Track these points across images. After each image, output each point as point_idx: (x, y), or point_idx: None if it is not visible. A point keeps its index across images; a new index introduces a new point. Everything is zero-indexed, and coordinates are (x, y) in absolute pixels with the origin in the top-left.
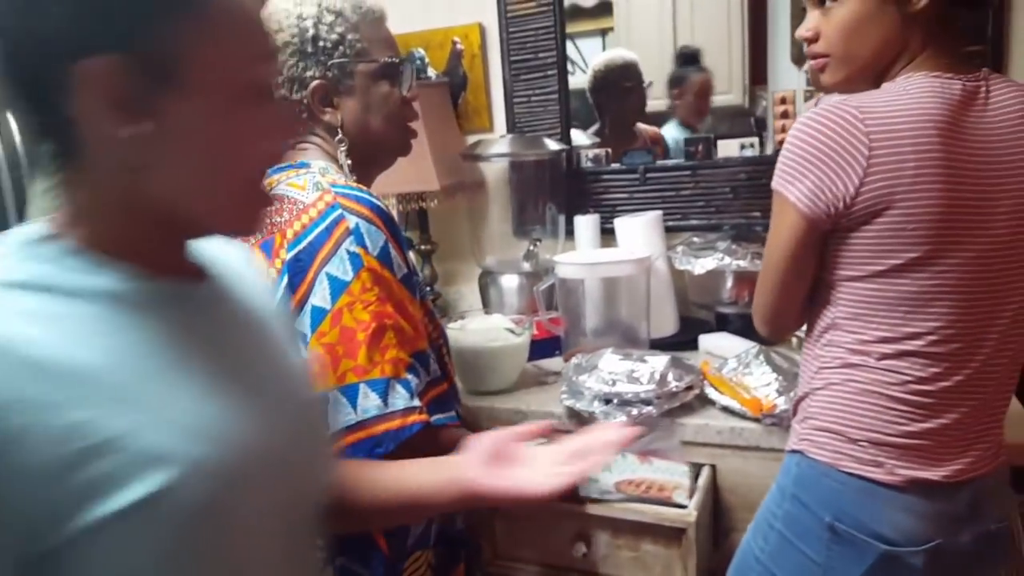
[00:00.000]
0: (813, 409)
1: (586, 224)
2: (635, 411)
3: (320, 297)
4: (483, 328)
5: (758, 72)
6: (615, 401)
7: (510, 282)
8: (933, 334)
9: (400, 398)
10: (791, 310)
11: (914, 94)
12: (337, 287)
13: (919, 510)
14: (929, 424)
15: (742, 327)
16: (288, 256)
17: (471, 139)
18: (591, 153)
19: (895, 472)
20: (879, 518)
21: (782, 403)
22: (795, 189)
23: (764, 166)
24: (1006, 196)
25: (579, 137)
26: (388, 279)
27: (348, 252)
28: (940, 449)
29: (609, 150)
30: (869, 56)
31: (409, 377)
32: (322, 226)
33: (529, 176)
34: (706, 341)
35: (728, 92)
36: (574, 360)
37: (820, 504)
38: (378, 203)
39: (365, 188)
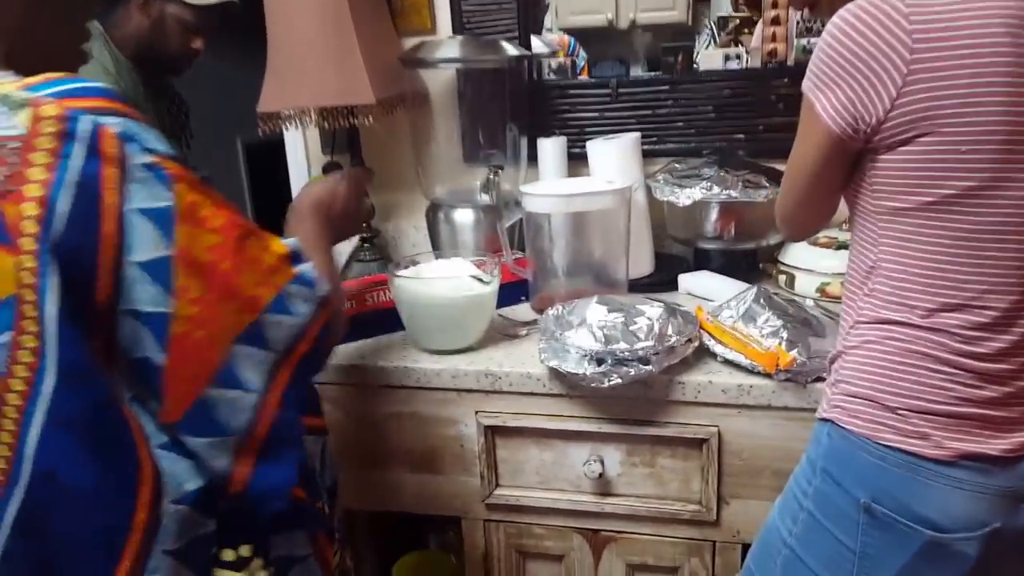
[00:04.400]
0: (847, 371)
1: (552, 147)
2: (632, 371)
3: (144, 249)
4: (443, 275)
5: None
6: (609, 361)
7: (465, 217)
8: (989, 283)
9: (303, 302)
10: (815, 220)
11: None
12: (161, 220)
13: (973, 489)
14: (984, 390)
15: (726, 265)
16: (42, 231)
17: (409, 43)
18: (554, 63)
19: (943, 445)
20: (924, 499)
21: (800, 356)
22: (823, 97)
23: (750, 81)
24: None
25: (538, 45)
26: (196, 178)
27: (140, 168)
28: (997, 418)
29: (575, 58)
30: None
31: (298, 269)
32: (76, 155)
33: (483, 89)
34: (687, 281)
35: (671, 8)
36: (551, 311)
37: (855, 482)
38: (104, 86)
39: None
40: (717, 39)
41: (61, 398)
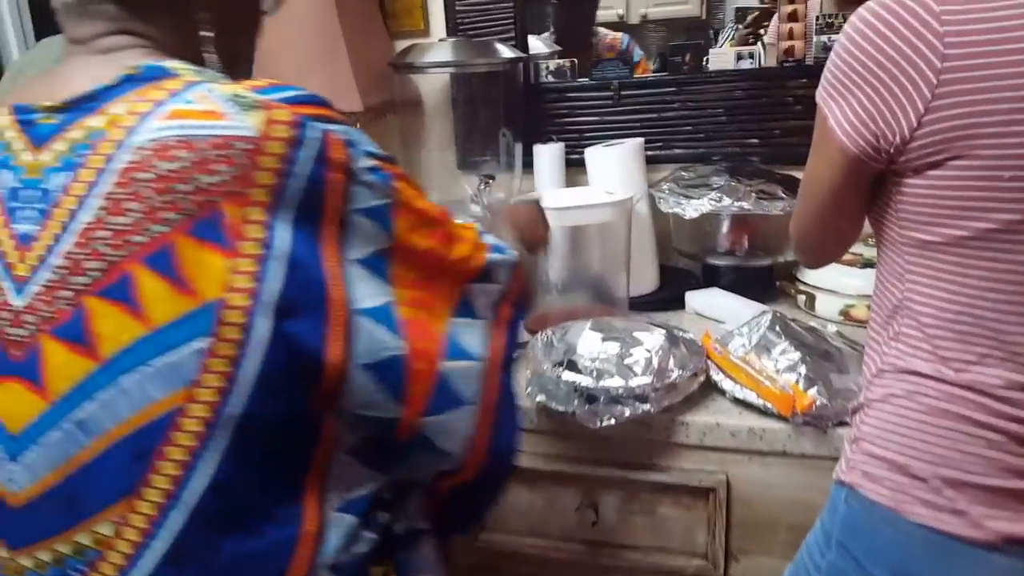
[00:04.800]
0: (869, 429)
1: (549, 155)
2: (627, 410)
3: (365, 244)
4: None
5: None
6: (601, 399)
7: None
8: None
9: (501, 269)
10: (833, 246)
11: None
12: (380, 215)
13: None
14: None
15: (738, 282)
16: (267, 236)
17: (401, 45)
18: (551, 65)
19: (983, 525)
20: None
21: (819, 398)
22: (838, 109)
23: (765, 82)
24: None
25: (536, 45)
26: (410, 177)
27: (364, 171)
28: None
29: (575, 60)
30: None
31: (489, 241)
32: (304, 160)
33: (477, 93)
34: (695, 300)
35: (684, 2)
36: (541, 336)
37: (875, 560)
38: (320, 95)
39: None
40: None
41: (251, 411)
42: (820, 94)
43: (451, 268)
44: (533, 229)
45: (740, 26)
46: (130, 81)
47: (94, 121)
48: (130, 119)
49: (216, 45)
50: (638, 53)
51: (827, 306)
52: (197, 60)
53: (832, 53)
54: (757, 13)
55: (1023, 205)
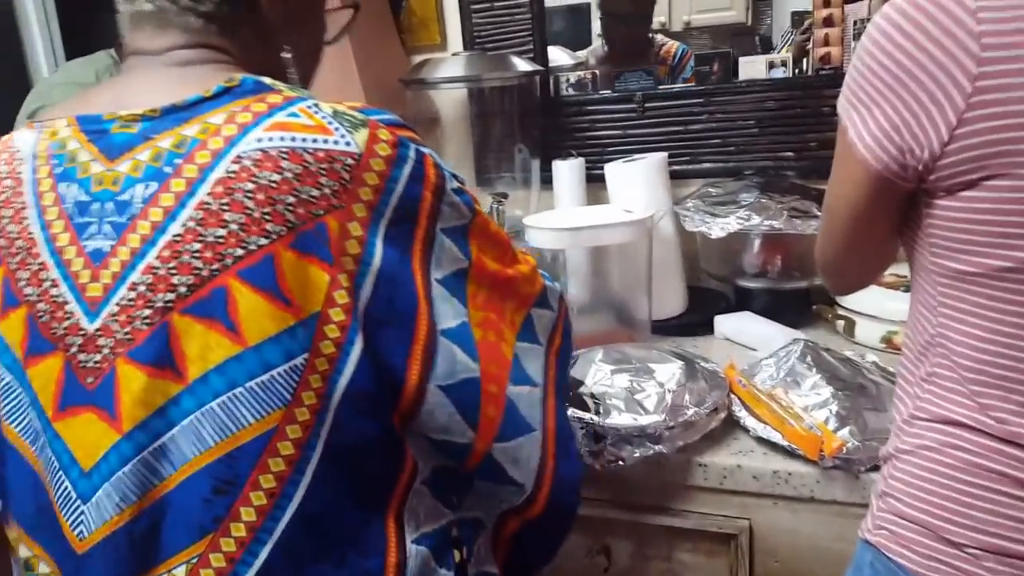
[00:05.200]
0: (896, 483)
1: (568, 171)
2: (637, 451)
3: (447, 264)
4: None
5: None
6: (608, 439)
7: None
8: None
9: (552, 297)
10: (862, 272)
11: None
12: (458, 236)
13: None
14: None
15: (771, 305)
16: (363, 252)
17: (419, 60)
18: (572, 77)
19: None
20: None
21: (851, 440)
22: (859, 121)
23: (799, 91)
24: None
25: (559, 56)
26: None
27: (451, 192)
28: None
29: (596, 72)
30: None
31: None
32: (402, 180)
33: (493, 108)
34: (725, 324)
35: (728, 8)
36: None
37: None
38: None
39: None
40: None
41: (342, 432)
42: (841, 103)
43: (517, 292)
44: None
45: (796, 31)
46: (228, 93)
47: (189, 131)
48: (230, 128)
49: (295, 65)
50: (690, 67)
51: (868, 333)
52: (278, 79)
53: (854, 57)
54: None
55: None
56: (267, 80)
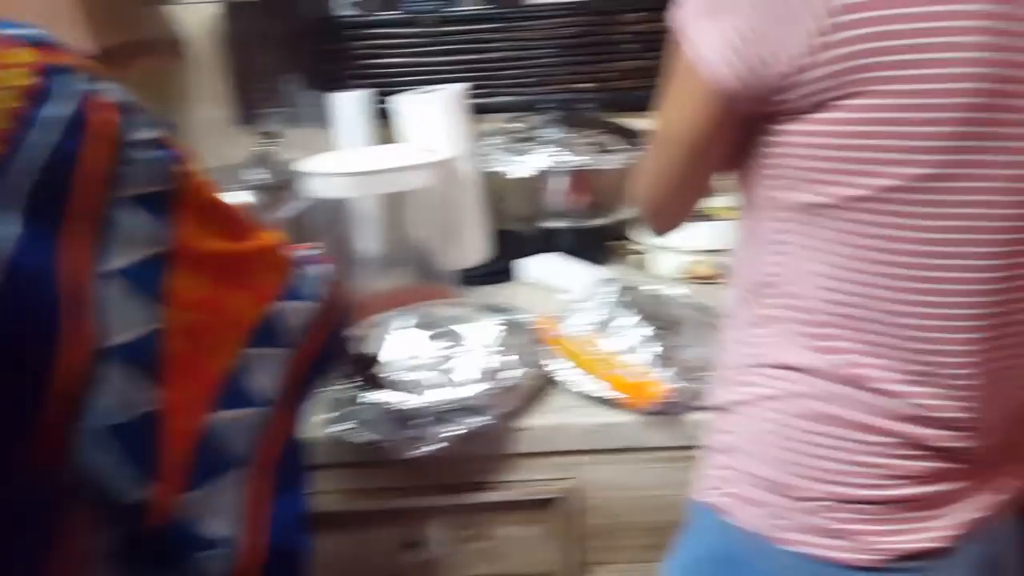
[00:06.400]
0: (732, 439)
1: (351, 105)
2: (462, 429)
3: (130, 249)
4: None
5: None
6: (418, 420)
7: (234, 202)
8: (941, 316)
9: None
10: (684, 206)
11: None
12: (152, 208)
13: None
14: (931, 461)
15: (578, 244)
16: None
17: None
18: None
19: (874, 546)
20: None
21: (676, 382)
22: (706, 34)
23: (598, 16)
24: None
25: None
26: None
27: (140, 146)
28: (939, 499)
29: None
30: None
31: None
32: (51, 120)
33: (255, 28)
34: (531, 268)
35: None
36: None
37: None
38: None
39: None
40: None
41: None
42: (683, 15)
43: (252, 279)
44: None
45: None
46: None
47: None
48: None
49: None
50: None
51: (667, 265)
52: None
53: None
54: None
55: (935, 155)
56: None
